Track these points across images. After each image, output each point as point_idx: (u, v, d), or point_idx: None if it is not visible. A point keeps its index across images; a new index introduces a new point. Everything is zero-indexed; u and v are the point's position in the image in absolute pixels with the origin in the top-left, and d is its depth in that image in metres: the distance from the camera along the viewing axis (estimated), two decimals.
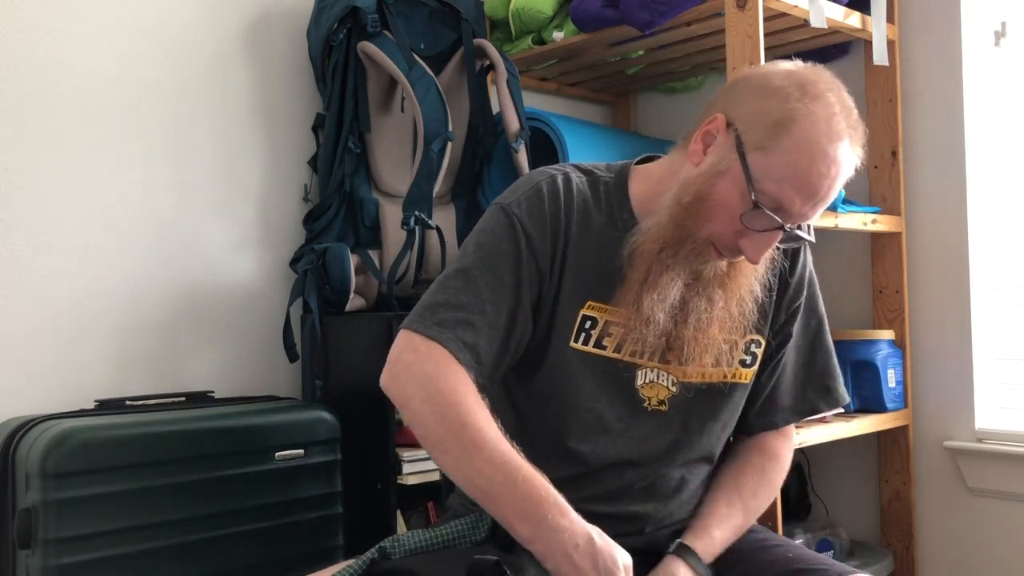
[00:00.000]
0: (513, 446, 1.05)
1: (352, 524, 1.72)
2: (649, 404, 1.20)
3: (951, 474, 2.03)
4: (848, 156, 1.09)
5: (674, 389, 1.21)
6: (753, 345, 1.24)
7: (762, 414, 1.30)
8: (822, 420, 1.85)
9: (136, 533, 1.44)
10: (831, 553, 1.94)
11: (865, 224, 1.97)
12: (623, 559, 1.01)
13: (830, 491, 2.20)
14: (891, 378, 1.98)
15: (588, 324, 1.17)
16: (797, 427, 1.55)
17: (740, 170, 1.08)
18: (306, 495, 1.64)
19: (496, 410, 1.25)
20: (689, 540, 1.18)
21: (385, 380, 1.11)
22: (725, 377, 1.23)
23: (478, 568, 0.99)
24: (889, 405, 1.98)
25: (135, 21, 1.80)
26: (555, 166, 1.24)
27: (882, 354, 1.98)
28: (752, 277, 1.19)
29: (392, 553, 1.09)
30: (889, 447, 2.09)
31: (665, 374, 1.20)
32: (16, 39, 1.66)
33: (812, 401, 1.31)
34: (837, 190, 1.10)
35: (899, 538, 2.08)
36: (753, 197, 1.07)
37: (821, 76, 1.11)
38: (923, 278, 2.06)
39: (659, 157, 1.26)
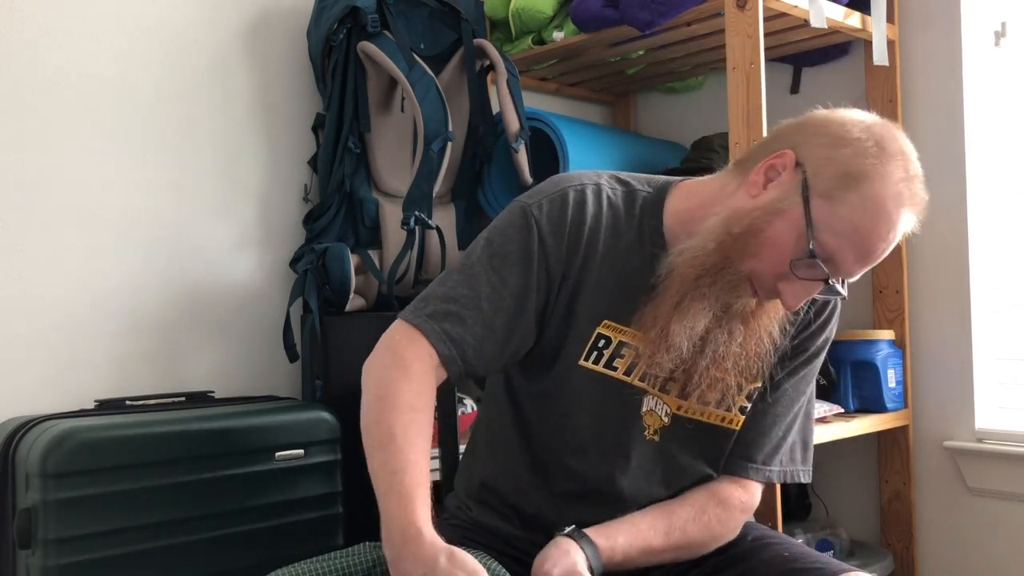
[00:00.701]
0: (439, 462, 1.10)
1: (352, 524, 1.72)
2: (647, 433, 1.18)
3: (951, 474, 2.03)
4: (908, 223, 1.06)
5: (666, 420, 1.18)
6: (755, 393, 1.22)
7: (734, 460, 1.24)
8: (822, 420, 1.85)
9: (136, 533, 1.44)
10: (831, 553, 1.94)
11: None
12: None
13: (830, 491, 2.20)
14: (891, 378, 1.98)
15: (602, 343, 1.15)
16: None
17: (801, 214, 1.04)
18: (306, 495, 1.64)
19: (493, 412, 1.26)
20: (591, 532, 1.12)
21: (364, 365, 1.12)
22: (720, 420, 1.21)
23: None
24: (889, 405, 1.98)
25: (135, 21, 1.80)
26: (592, 173, 1.20)
27: (882, 354, 1.98)
28: (774, 319, 1.15)
29: None
30: (889, 447, 2.09)
31: (662, 403, 1.18)
32: (16, 39, 1.66)
33: (776, 469, 1.25)
34: (887, 254, 1.08)
35: (899, 538, 2.08)
36: (811, 245, 1.04)
37: (898, 137, 1.08)
38: (923, 278, 2.06)
39: (702, 175, 1.21)
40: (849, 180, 1.03)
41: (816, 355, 1.25)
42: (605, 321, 1.15)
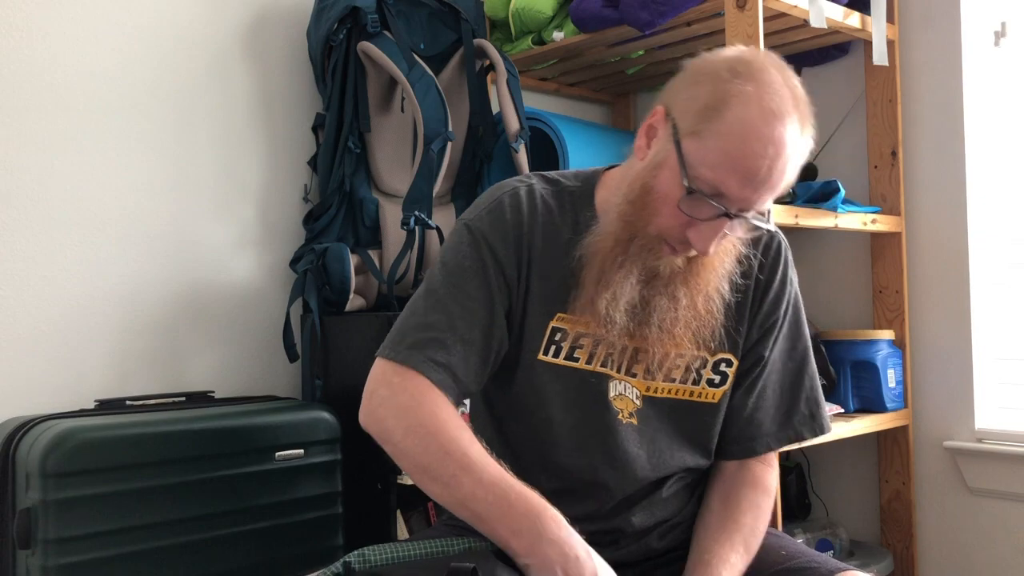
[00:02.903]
0: (499, 463, 1.06)
1: (352, 524, 1.72)
2: (622, 416, 1.18)
3: (951, 474, 2.03)
4: (793, 137, 1.04)
5: (638, 403, 1.19)
6: (723, 364, 1.21)
7: (743, 439, 1.24)
8: None
9: (136, 533, 1.44)
10: (831, 553, 1.94)
11: (865, 224, 1.97)
12: None
13: (830, 491, 2.20)
14: (891, 378, 1.98)
15: (558, 336, 1.17)
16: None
17: (676, 158, 1.06)
18: (306, 495, 1.64)
19: (476, 420, 1.29)
20: None
21: (363, 418, 1.12)
22: (691, 395, 1.20)
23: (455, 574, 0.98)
24: (889, 405, 1.97)
25: (135, 21, 1.80)
26: (519, 177, 1.24)
27: (882, 354, 1.98)
28: (719, 274, 1.14)
29: (358, 569, 1.05)
30: (889, 447, 2.09)
31: (631, 387, 1.18)
32: (16, 39, 1.66)
33: (797, 428, 1.25)
34: (785, 173, 1.05)
35: (899, 538, 2.08)
36: (686, 183, 1.04)
37: (758, 56, 1.08)
38: (923, 278, 2.06)
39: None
40: (710, 111, 1.03)
41: (789, 315, 1.25)
42: (558, 314, 1.17)
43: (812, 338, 1.92)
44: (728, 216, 1.05)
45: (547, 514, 1.02)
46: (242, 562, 1.55)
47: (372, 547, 1.06)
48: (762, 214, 1.09)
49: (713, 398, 1.22)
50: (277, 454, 1.60)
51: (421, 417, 1.06)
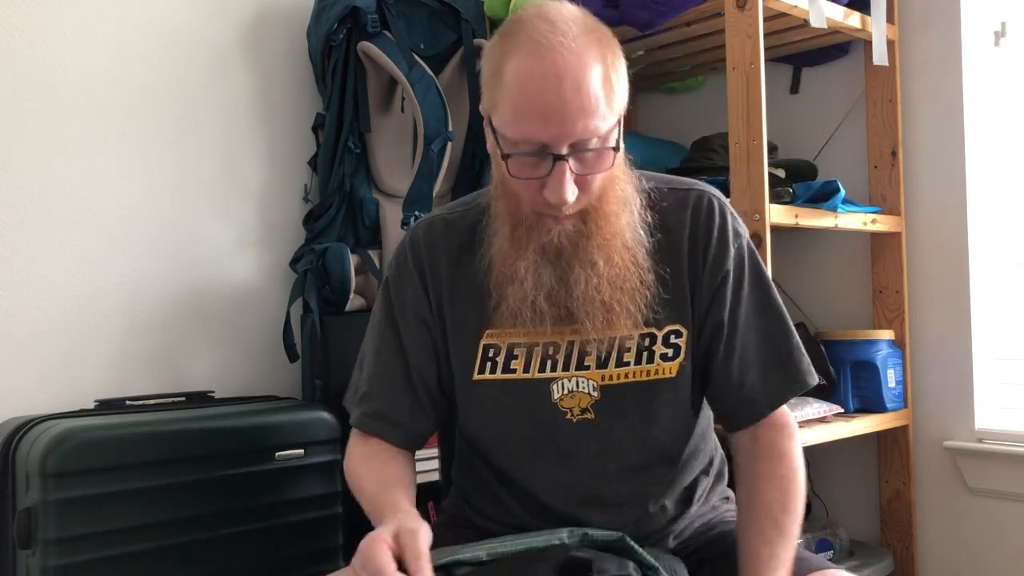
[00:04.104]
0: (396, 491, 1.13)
1: (352, 524, 1.72)
2: (572, 415, 1.16)
3: (951, 474, 2.03)
4: (571, 59, 1.01)
5: (596, 395, 1.16)
6: (672, 336, 1.17)
7: (741, 407, 1.19)
8: (822, 420, 1.85)
9: (136, 533, 1.44)
10: (831, 553, 1.94)
11: (865, 224, 1.97)
12: (383, 560, 0.94)
13: (830, 491, 2.20)
14: (891, 378, 1.98)
15: (492, 352, 1.17)
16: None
17: (494, 138, 1.08)
18: (306, 495, 1.64)
19: (457, 445, 1.33)
20: None
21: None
22: (648, 375, 1.17)
23: (571, 563, 0.99)
24: (889, 405, 1.97)
25: (135, 21, 1.80)
26: (425, 215, 1.28)
27: (882, 354, 1.98)
28: (622, 224, 1.11)
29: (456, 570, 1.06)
30: (889, 447, 2.09)
31: (584, 380, 1.16)
32: (15, 39, 1.66)
33: (790, 383, 1.19)
34: (587, 94, 1.01)
35: (899, 538, 2.08)
36: (500, 150, 1.06)
37: (525, 9, 1.08)
38: (923, 278, 2.06)
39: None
40: (494, 79, 1.06)
41: (746, 272, 1.19)
42: (487, 331, 1.17)
43: (811, 338, 1.94)
44: (560, 158, 1.02)
45: (383, 520, 1.05)
46: (242, 562, 1.55)
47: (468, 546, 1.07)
48: (607, 141, 1.06)
49: (671, 372, 1.17)
50: (277, 454, 1.60)
51: (347, 467, 1.22)
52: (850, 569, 1.47)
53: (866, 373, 1.97)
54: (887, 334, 2.02)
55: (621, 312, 1.11)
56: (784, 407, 1.21)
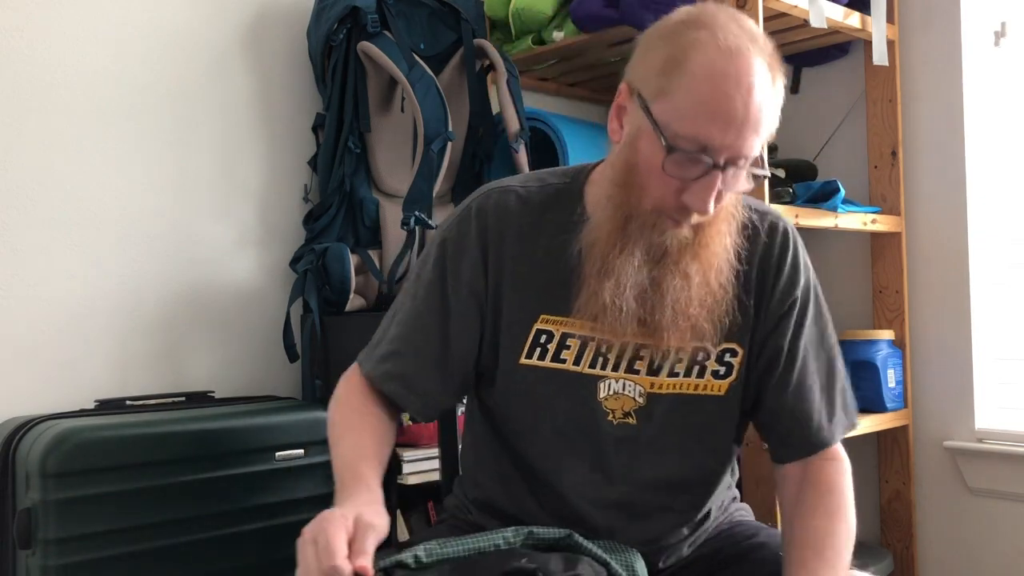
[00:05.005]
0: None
1: None
2: (613, 417, 1.14)
3: (951, 474, 2.03)
4: (760, 70, 1.00)
5: (641, 401, 1.14)
6: (728, 355, 1.16)
7: (793, 437, 1.18)
8: None
9: (136, 533, 1.44)
10: None
11: (865, 224, 1.97)
12: (337, 542, 0.92)
13: None
14: (891, 378, 1.98)
15: (543, 339, 1.14)
16: None
17: (649, 124, 1.02)
18: (306, 495, 1.64)
19: (475, 425, 1.28)
20: None
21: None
22: (697, 388, 1.15)
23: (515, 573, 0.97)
24: (889, 405, 1.98)
25: (135, 21, 1.80)
26: (505, 179, 1.22)
27: (882, 354, 1.98)
28: (726, 244, 1.10)
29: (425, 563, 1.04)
30: (889, 447, 2.09)
31: (632, 384, 1.14)
32: (15, 39, 1.66)
33: (846, 418, 1.20)
34: (764, 112, 1.01)
35: (899, 538, 2.08)
36: (665, 143, 1.00)
37: (706, 7, 1.05)
38: (923, 278, 2.06)
39: None
40: (671, 67, 1.01)
41: (811, 302, 1.19)
42: (542, 316, 1.14)
43: None
44: (718, 168, 1.01)
45: (349, 495, 1.03)
46: (242, 562, 1.55)
47: (436, 542, 1.05)
48: (756, 164, 1.04)
49: (720, 391, 1.16)
50: (277, 454, 1.60)
51: (335, 402, 1.18)
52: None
53: (866, 373, 1.97)
54: (887, 334, 2.02)
55: (699, 328, 1.10)
56: (838, 443, 1.21)
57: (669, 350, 1.12)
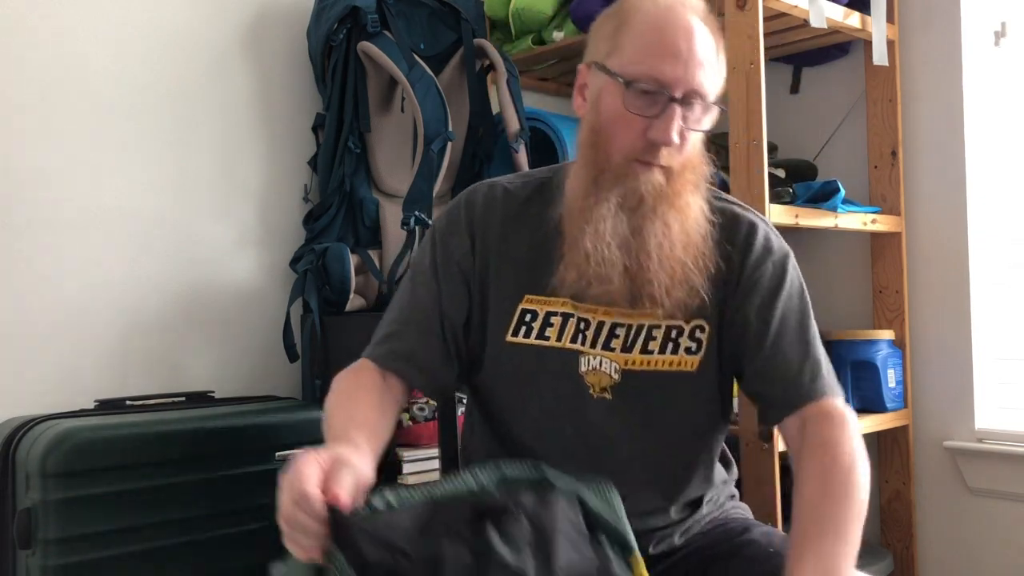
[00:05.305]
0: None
1: None
2: (593, 391, 1.17)
3: (951, 474, 2.03)
4: (697, 22, 1.12)
5: (616, 377, 1.17)
6: (698, 331, 1.19)
7: (776, 392, 1.17)
8: None
9: (136, 533, 1.44)
10: None
11: (865, 224, 1.97)
12: (307, 483, 0.92)
13: None
14: (891, 378, 1.98)
15: (528, 317, 1.19)
16: None
17: (607, 78, 1.13)
18: None
19: (471, 414, 1.32)
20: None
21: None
22: (670, 365, 1.18)
23: (486, 509, 0.96)
24: (889, 405, 1.97)
25: (135, 21, 1.80)
26: (489, 179, 1.30)
27: (882, 354, 1.98)
28: (699, 195, 1.15)
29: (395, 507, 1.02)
30: (889, 447, 2.09)
31: (608, 361, 1.17)
32: (15, 39, 1.66)
33: (818, 374, 1.17)
34: (706, 53, 1.11)
35: (899, 538, 2.08)
36: (623, 81, 1.11)
37: None
38: (923, 278, 2.06)
39: None
40: (617, 30, 1.14)
41: (780, 275, 1.21)
42: (527, 296, 1.20)
43: None
44: (675, 101, 1.10)
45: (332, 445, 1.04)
46: (242, 562, 1.55)
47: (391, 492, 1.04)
48: (706, 104, 1.13)
49: (691, 367, 1.18)
50: (277, 454, 1.60)
51: (330, 398, 1.17)
52: None
53: (866, 373, 1.97)
54: (887, 334, 2.02)
55: (686, 273, 1.13)
56: (835, 398, 1.18)
57: (643, 327, 1.16)
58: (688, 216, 1.14)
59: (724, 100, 1.18)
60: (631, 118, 1.11)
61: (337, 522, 0.93)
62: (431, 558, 0.91)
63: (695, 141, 1.15)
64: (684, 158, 1.14)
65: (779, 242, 1.25)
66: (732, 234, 1.20)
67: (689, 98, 1.11)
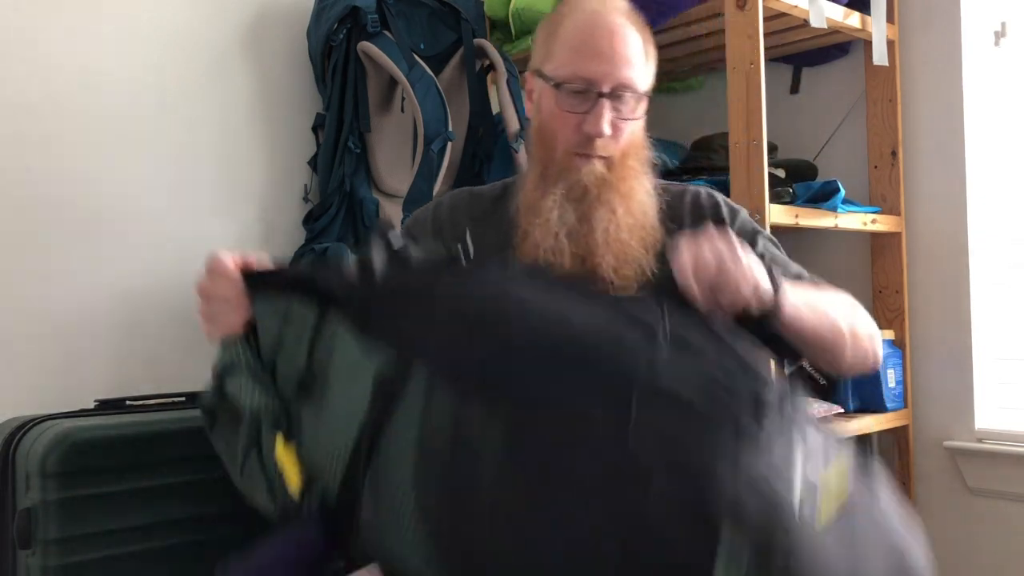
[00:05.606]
0: None
1: None
2: None
3: (951, 474, 2.03)
4: (621, 21, 1.22)
5: None
6: None
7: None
8: (822, 420, 1.85)
9: (136, 533, 1.44)
10: None
11: (865, 224, 1.97)
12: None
13: None
14: (891, 378, 1.98)
15: None
16: None
17: (542, 82, 1.24)
18: None
19: None
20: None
21: None
22: None
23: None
24: (889, 405, 1.97)
25: (135, 21, 1.80)
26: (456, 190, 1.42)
27: (882, 354, 1.98)
28: (642, 181, 1.25)
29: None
30: (889, 447, 2.09)
31: None
32: (15, 39, 1.66)
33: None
34: (631, 48, 1.21)
35: None
36: (553, 83, 1.21)
37: None
38: (923, 278, 2.06)
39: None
40: (550, 36, 1.25)
41: (748, 230, 1.30)
42: None
43: None
44: (603, 96, 1.19)
45: None
46: None
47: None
48: (636, 96, 1.23)
49: None
50: None
51: None
52: None
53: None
54: (887, 334, 2.02)
55: (631, 252, 1.21)
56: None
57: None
58: (632, 200, 1.23)
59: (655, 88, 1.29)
60: (566, 116, 1.21)
61: (256, 277, 1.03)
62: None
63: (633, 129, 1.25)
64: (623, 146, 1.23)
65: (724, 199, 1.33)
66: (676, 209, 1.29)
67: (618, 91, 1.20)
